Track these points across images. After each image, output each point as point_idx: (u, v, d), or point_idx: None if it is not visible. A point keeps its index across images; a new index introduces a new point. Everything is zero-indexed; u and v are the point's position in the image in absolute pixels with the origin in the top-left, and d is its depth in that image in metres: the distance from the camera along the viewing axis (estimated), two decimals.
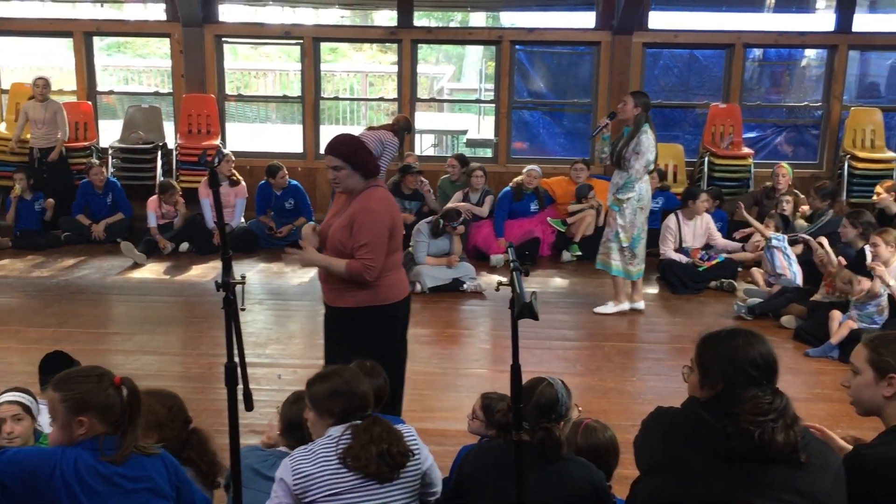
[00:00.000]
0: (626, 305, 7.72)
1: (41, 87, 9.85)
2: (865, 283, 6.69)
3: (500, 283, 2.72)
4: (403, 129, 9.38)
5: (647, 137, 7.22)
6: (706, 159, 10.50)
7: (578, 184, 9.71)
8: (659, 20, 10.89)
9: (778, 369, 2.71)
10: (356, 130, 9.65)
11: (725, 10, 11.63)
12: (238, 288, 2.66)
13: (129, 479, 2.76)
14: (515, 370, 2.66)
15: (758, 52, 11.65)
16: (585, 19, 10.96)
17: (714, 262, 8.54)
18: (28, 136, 9.95)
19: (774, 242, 7.89)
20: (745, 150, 10.62)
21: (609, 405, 5.74)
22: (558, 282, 8.76)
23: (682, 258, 8.58)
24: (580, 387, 5.96)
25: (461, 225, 8.45)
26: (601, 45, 10.74)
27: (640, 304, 7.77)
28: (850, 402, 3.10)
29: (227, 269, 2.63)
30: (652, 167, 7.50)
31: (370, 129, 9.26)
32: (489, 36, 11.32)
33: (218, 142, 10.54)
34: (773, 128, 11.72)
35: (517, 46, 11.05)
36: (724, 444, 2.58)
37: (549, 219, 9.56)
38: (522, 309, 2.52)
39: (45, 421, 3.51)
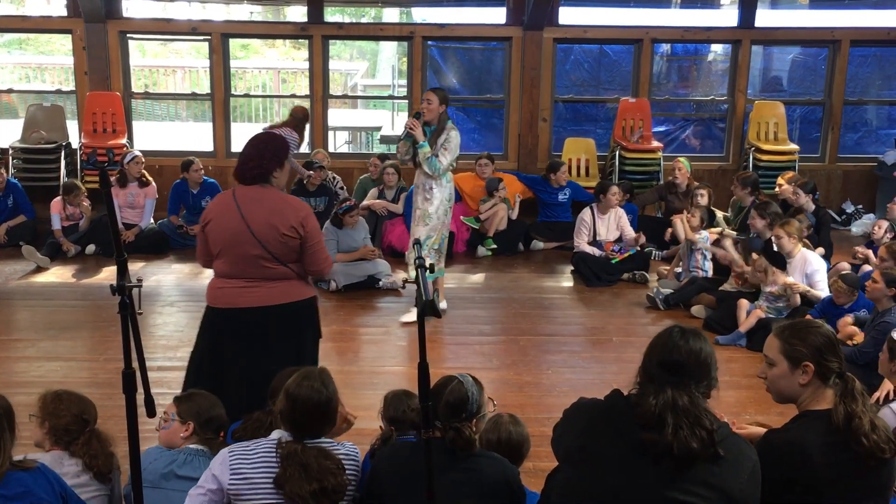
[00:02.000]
0: (444, 304, 7.51)
1: None
2: (780, 277, 6.88)
3: (405, 281, 2.70)
4: (302, 120, 9.40)
5: (456, 134, 7.05)
6: (617, 153, 10.67)
7: (485, 179, 9.79)
8: (569, 16, 11.02)
9: (692, 369, 2.72)
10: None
11: (634, 6, 11.86)
12: (135, 291, 2.57)
13: (8, 499, 2.68)
14: (423, 368, 2.64)
15: (665, 47, 11.89)
16: (496, 15, 11.02)
17: (626, 254, 8.68)
18: None
19: (700, 245, 8.01)
20: (655, 143, 10.82)
21: (525, 399, 5.79)
22: (474, 277, 8.79)
23: (596, 251, 8.70)
24: (496, 381, 5.99)
25: (352, 210, 8.35)
26: (512, 41, 10.81)
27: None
28: (766, 391, 3.17)
29: (122, 273, 2.54)
30: (454, 166, 7.28)
31: (271, 127, 9.18)
32: (401, 32, 11.29)
33: (124, 140, 10.27)
34: (681, 122, 11.99)
35: (429, 42, 11.05)
36: (639, 438, 2.61)
37: (462, 217, 9.58)
38: (425, 306, 2.50)
39: None
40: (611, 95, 11.59)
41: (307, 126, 9.71)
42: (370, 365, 6.54)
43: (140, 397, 2.76)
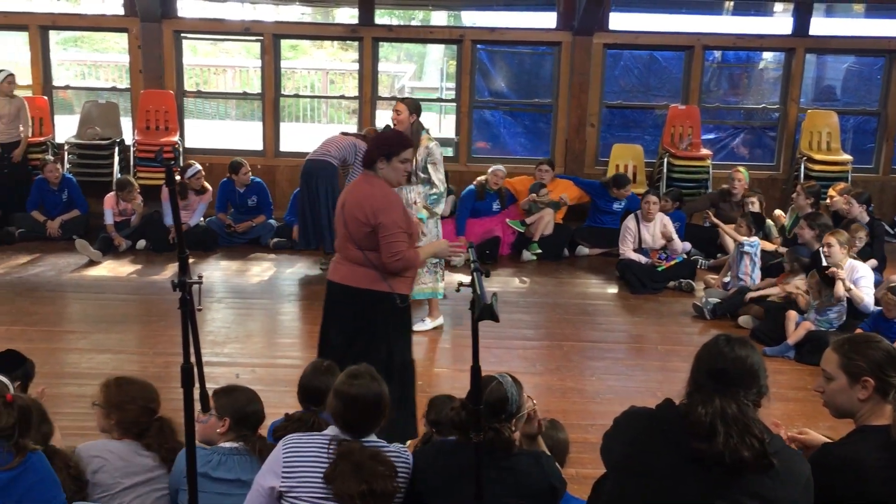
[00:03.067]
0: (441, 320, 7.21)
1: (11, 83, 9.65)
2: (839, 290, 6.76)
3: (460, 284, 2.71)
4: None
5: (436, 145, 6.80)
6: (665, 160, 10.60)
7: (536, 185, 9.78)
8: (619, 21, 10.98)
9: (739, 377, 2.69)
10: (316, 128, 9.63)
11: (685, 13, 11.76)
12: (195, 287, 2.62)
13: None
14: (476, 371, 2.65)
15: (717, 54, 11.79)
16: (547, 19, 11.00)
17: (673, 262, 8.62)
18: None
19: (747, 248, 7.92)
20: (704, 151, 10.73)
21: (568, 405, 5.77)
22: (518, 281, 8.78)
23: (642, 258, 8.64)
24: (539, 386, 5.99)
25: None
26: (562, 46, 10.79)
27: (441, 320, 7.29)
28: (823, 405, 3.13)
29: (183, 269, 2.59)
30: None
31: (344, 134, 9.21)
32: (450, 35, 11.31)
33: (176, 138, 10.41)
34: (731, 129, 11.87)
35: (478, 46, 11.06)
36: (690, 448, 2.60)
37: (508, 220, 9.59)
38: (483, 311, 2.51)
39: None
40: (660, 102, 11.52)
41: None
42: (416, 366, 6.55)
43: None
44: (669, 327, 7.54)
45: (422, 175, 6.74)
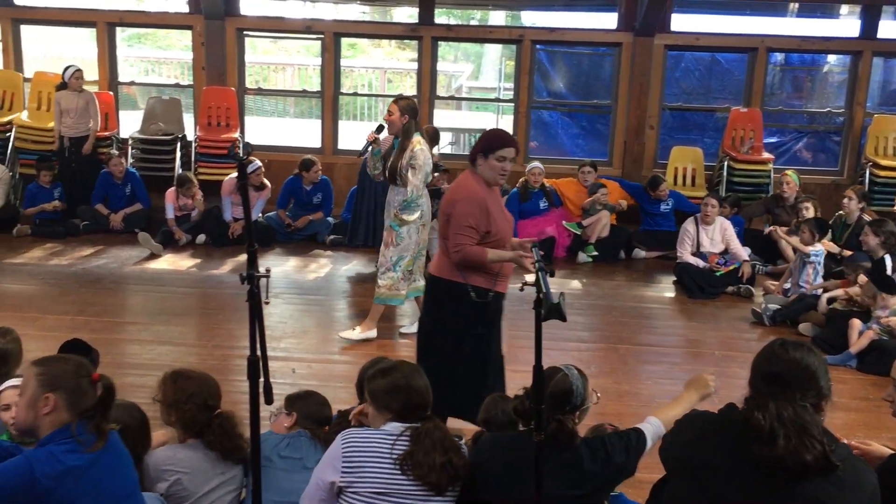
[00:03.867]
0: (374, 332, 6.83)
1: (78, 78, 9.88)
2: (891, 301, 6.63)
3: (524, 283, 2.70)
4: (431, 138, 9.37)
5: (423, 150, 6.56)
6: (725, 164, 10.45)
7: (587, 187, 9.73)
8: (681, 22, 10.86)
9: (795, 379, 2.66)
10: (373, 127, 9.66)
11: (748, 14, 11.58)
12: (262, 281, 2.65)
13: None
14: (538, 371, 2.64)
15: (780, 56, 11.59)
16: (607, 20, 10.93)
17: (731, 267, 8.50)
18: (51, 124, 9.96)
19: (812, 258, 7.77)
20: (766, 155, 10.56)
21: (623, 408, 5.71)
22: (574, 283, 8.74)
23: (700, 262, 8.54)
24: (595, 388, 5.93)
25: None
26: (622, 47, 10.71)
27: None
28: (892, 415, 3.07)
29: (251, 262, 2.62)
30: (430, 179, 6.86)
31: None
32: (510, 35, 11.29)
33: (237, 134, 10.56)
34: (793, 133, 11.66)
35: (538, 46, 11.03)
36: (751, 452, 2.57)
37: (564, 223, 9.55)
38: (551, 310, 2.50)
39: None
40: (721, 104, 11.37)
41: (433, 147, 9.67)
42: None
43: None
44: (727, 333, 7.44)
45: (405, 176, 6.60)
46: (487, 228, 4.55)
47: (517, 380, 5.58)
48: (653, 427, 3.36)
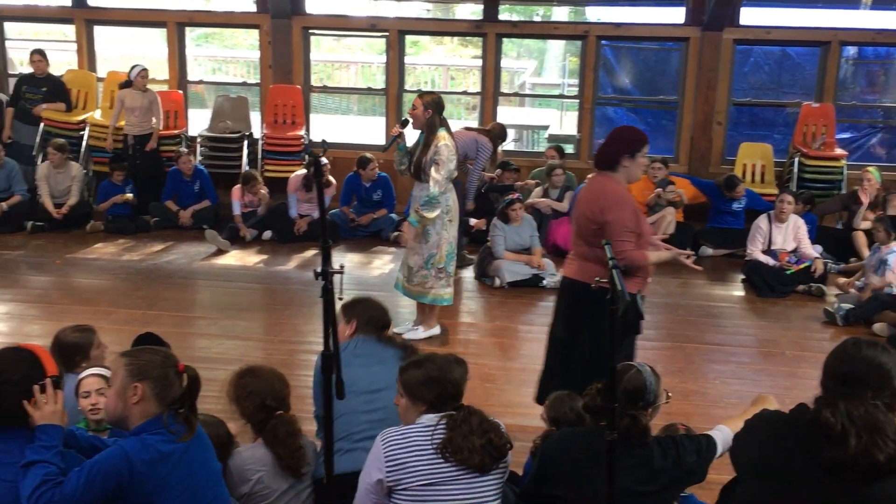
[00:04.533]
0: (437, 329, 6.82)
1: (143, 77, 10.09)
2: None
3: (597, 281, 2.68)
4: (498, 136, 9.34)
5: (447, 145, 6.48)
6: (796, 160, 10.23)
7: (656, 183, 9.61)
8: (751, 16, 10.65)
9: (867, 378, 2.60)
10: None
11: (820, 7, 11.32)
12: (336, 277, 2.67)
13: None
14: (612, 369, 2.63)
15: (853, 49, 11.31)
16: (675, 14, 10.78)
17: (803, 265, 8.32)
18: (122, 123, 10.19)
19: (886, 256, 7.53)
20: (838, 151, 10.31)
21: (690, 408, 5.64)
22: None
23: (770, 260, 8.37)
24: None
25: (514, 203, 8.36)
26: (690, 41, 10.55)
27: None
28: None
29: (326, 259, 2.65)
30: (455, 175, 6.73)
31: (468, 129, 9.28)
32: (575, 31, 11.21)
33: (302, 132, 10.67)
34: (867, 129, 11.37)
35: (603, 42, 10.93)
36: (822, 453, 2.52)
37: None
38: (627, 308, 2.47)
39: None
40: (792, 99, 11.13)
41: (499, 143, 9.67)
42: (532, 363, 6.51)
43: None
44: (798, 332, 7.29)
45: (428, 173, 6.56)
46: (639, 230, 4.56)
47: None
48: (723, 435, 3.34)
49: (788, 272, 8.29)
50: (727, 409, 5.65)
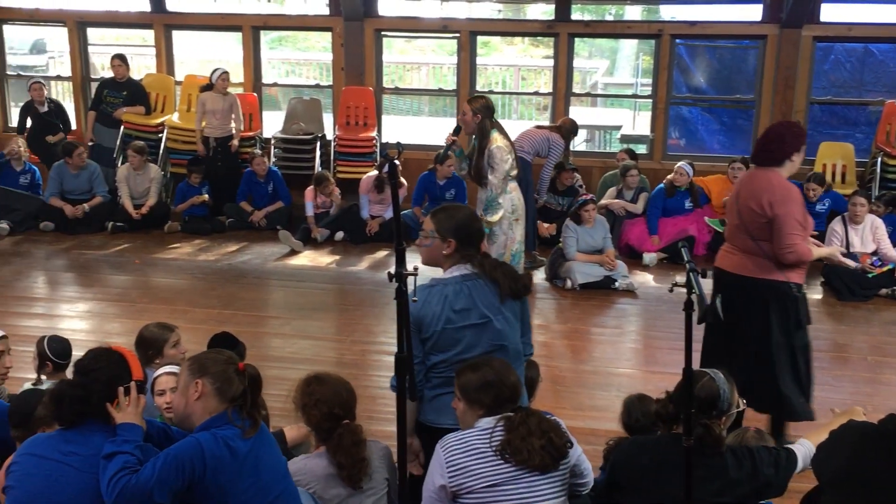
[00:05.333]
0: None
1: (224, 80, 10.28)
2: None
3: (674, 285, 2.63)
4: (570, 131, 9.30)
5: (499, 148, 6.52)
6: (879, 160, 9.91)
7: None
8: (832, 12, 10.35)
9: None
10: (508, 125, 9.65)
11: None
12: (410, 279, 2.68)
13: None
14: (688, 374, 2.58)
15: None
16: (752, 12, 10.54)
17: (886, 268, 8.07)
18: (204, 125, 10.39)
19: None
20: None
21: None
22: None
23: (850, 263, 8.14)
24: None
25: (587, 204, 8.28)
26: (767, 39, 10.32)
27: None
28: None
29: (400, 260, 2.66)
30: (514, 172, 6.72)
31: (539, 127, 9.25)
32: (649, 29, 11.06)
33: (374, 134, 10.74)
34: None
35: (677, 40, 10.75)
36: None
37: (706, 219, 9.28)
38: (706, 311, 2.42)
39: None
40: (874, 97, 10.80)
41: (571, 139, 9.62)
42: (604, 365, 6.48)
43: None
44: (880, 337, 7.08)
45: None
46: (805, 224, 4.61)
47: (655, 381, 5.49)
48: (804, 449, 3.26)
49: (870, 275, 8.05)
50: None
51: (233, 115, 10.33)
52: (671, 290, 2.62)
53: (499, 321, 3.44)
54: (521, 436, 3.04)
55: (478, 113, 6.60)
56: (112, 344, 3.19)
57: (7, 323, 6.42)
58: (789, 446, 3.29)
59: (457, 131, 6.66)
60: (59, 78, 12.99)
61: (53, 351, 4.47)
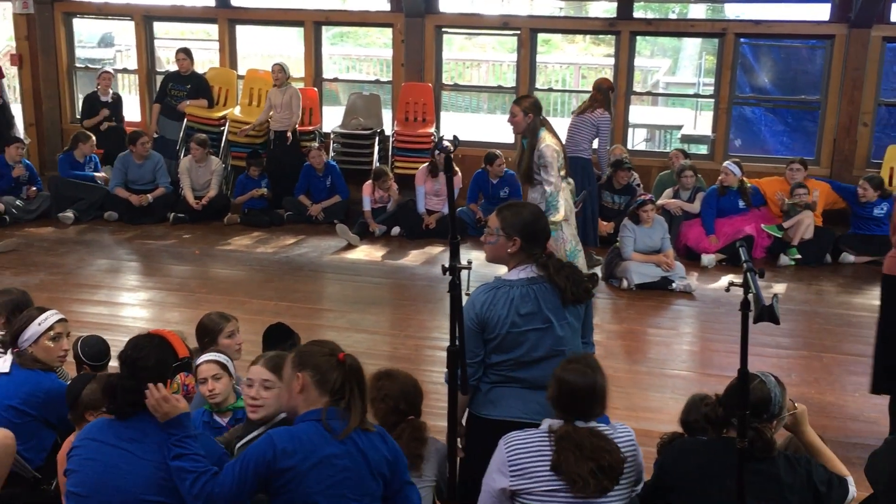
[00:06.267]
0: None
1: (276, 73, 10.40)
2: None
3: (731, 284, 2.59)
4: (607, 93, 9.18)
5: (548, 145, 6.48)
6: None
7: (793, 185, 9.24)
8: None
9: None
10: (565, 123, 9.61)
11: None
12: (464, 273, 2.68)
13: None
14: (744, 375, 2.54)
15: None
16: (819, 11, 10.33)
17: None
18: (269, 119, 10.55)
19: None
20: None
21: (826, 420, 5.41)
22: (775, 287, 8.31)
23: None
24: (795, 398, 5.61)
25: (645, 204, 8.18)
26: (835, 39, 10.09)
27: None
28: None
29: (454, 254, 2.66)
30: (563, 172, 6.68)
31: (577, 114, 9.19)
32: (713, 28, 10.90)
33: (432, 129, 10.77)
34: None
35: (742, 39, 10.58)
36: None
37: (763, 226, 9.12)
38: (763, 312, 2.38)
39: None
40: None
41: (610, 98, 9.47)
42: (658, 367, 6.42)
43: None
44: None
45: (538, 177, 6.60)
46: None
47: (711, 384, 5.41)
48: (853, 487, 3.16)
49: None
50: (867, 424, 5.41)
51: (293, 109, 10.44)
52: (728, 290, 2.58)
53: (562, 327, 3.42)
54: (574, 459, 2.93)
55: (529, 112, 6.60)
56: (153, 329, 3.22)
57: (71, 309, 6.58)
58: (845, 476, 3.18)
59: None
60: (125, 71, 13.26)
61: (86, 355, 4.47)
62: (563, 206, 6.65)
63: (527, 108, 6.59)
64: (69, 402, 3.68)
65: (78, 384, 3.71)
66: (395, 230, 9.86)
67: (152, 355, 2.98)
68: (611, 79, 10.15)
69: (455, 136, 2.75)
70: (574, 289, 3.41)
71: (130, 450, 2.90)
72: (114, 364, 5.10)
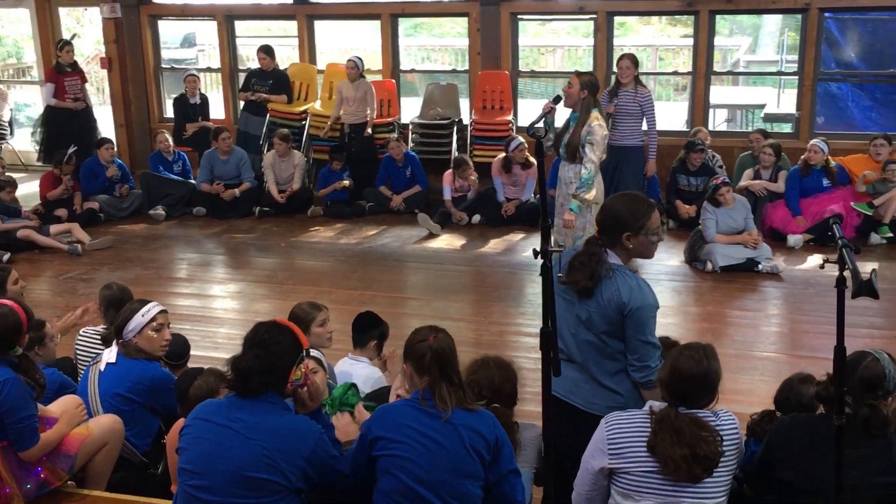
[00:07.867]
0: None
1: (350, 69, 10.54)
2: None
3: (825, 261, 2.57)
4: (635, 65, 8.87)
5: (601, 125, 6.44)
6: None
7: (879, 161, 8.98)
8: None
9: None
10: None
11: None
12: (555, 256, 2.72)
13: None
14: (840, 353, 2.52)
15: None
16: None
17: None
18: (341, 113, 10.69)
19: None
20: None
21: None
22: (865, 265, 8.10)
23: None
24: None
25: (720, 188, 8.10)
26: None
27: None
28: None
29: (545, 238, 2.70)
30: (604, 157, 6.65)
31: (614, 104, 8.80)
32: (795, 4, 10.61)
33: (510, 117, 10.77)
34: None
35: (826, 14, 10.29)
36: None
37: (853, 203, 8.90)
38: (862, 287, 2.36)
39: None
40: None
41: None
42: (747, 349, 6.35)
43: None
44: None
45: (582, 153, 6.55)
46: None
47: (802, 366, 5.32)
48: None
49: None
50: None
51: (367, 103, 10.55)
52: (822, 267, 2.56)
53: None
54: (668, 443, 2.94)
55: (585, 88, 6.57)
56: (277, 319, 3.36)
57: (165, 302, 6.71)
58: None
59: (556, 100, 6.35)
60: (208, 70, 13.59)
61: (167, 354, 4.54)
62: (596, 188, 6.64)
63: (585, 82, 6.59)
64: (178, 397, 3.84)
65: (187, 379, 3.87)
66: (476, 218, 9.91)
67: (286, 342, 3.14)
68: (690, 60, 9.98)
69: (545, 121, 2.77)
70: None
71: (237, 429, 3.04)
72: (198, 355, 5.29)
